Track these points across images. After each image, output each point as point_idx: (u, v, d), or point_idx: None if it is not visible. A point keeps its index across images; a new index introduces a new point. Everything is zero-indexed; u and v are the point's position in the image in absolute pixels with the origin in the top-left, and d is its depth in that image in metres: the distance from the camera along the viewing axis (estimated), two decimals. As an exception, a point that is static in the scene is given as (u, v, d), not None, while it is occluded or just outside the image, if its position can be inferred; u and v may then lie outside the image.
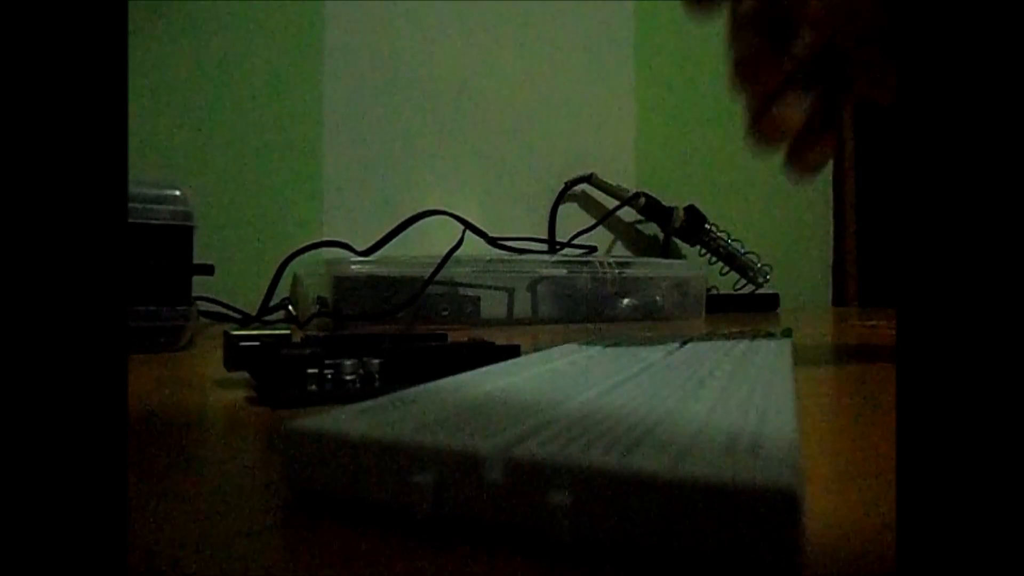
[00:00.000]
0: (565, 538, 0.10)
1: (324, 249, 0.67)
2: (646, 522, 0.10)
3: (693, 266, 0.82)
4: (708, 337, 0.31)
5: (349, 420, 0.13)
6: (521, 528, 0.11)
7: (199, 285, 0.48)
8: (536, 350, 0.27)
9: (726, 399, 0.16)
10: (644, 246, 1.03)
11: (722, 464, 0.10)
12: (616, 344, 0.28)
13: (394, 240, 0.65)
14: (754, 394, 0.17)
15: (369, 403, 0.15)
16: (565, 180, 0.96)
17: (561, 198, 0.96)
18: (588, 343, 0.30)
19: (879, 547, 0.11)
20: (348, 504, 0.12)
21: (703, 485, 0.10)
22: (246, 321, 0.63)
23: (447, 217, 0.66)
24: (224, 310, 0.64)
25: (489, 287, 0.67)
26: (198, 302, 0.50)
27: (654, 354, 0.25)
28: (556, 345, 0.29)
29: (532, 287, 0.70)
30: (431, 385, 0.18)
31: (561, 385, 0.18)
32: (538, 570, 0.10)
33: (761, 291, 0.99)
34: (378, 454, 0.12)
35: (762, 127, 0.31)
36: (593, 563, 0.10)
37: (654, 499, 0.10)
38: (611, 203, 0.97)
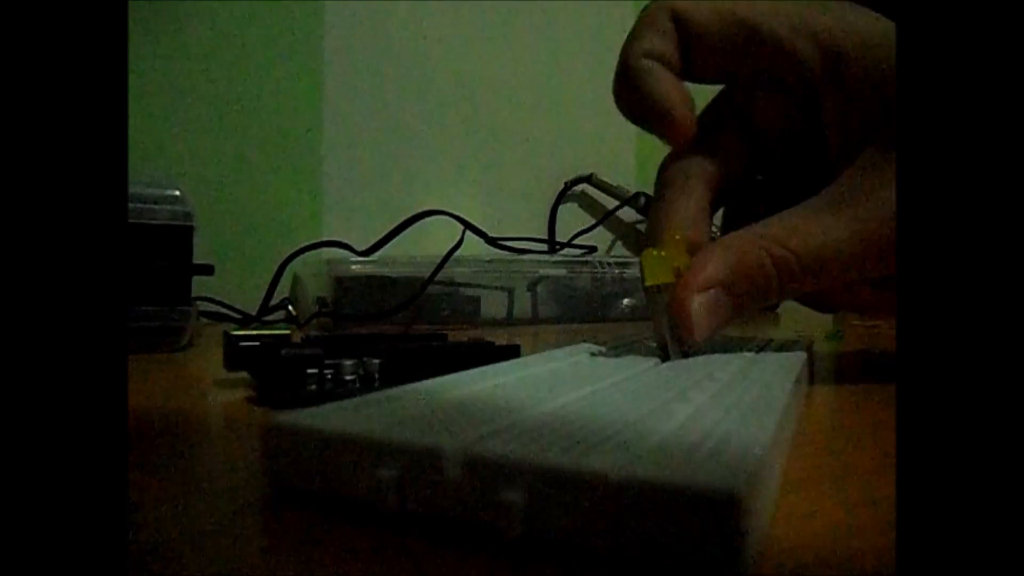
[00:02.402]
0: (516, 535, 0.11)
1: (324, 249, 0.67)
2: (594, 521, 0.10)
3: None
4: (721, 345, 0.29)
5: (327, 416, 0.14)
6: (478, 524, 0.11)
7: (199, 285, 0.48)
8: (536, 350, 0.27)
9: (710, 405, 0.16)
10: (644, 246, 1.03)
11: (674, 466, 0.10)
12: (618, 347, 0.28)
13: (394, 240, 0.65)
14: (741, 402, 0.16)
15: (353, 400, 0.15)
16: (565, 180, 0.96)
17: (561, 198, 0.96)
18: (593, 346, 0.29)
19: (879, 546, 0.11)
20: (326, 499, 0.13)
21: (645, 485, 0.10)
22: (246, 321, 0.63)
23: (447, 217, 0.66)
24: (224, 310, 0.64)
25: (489, 287, 0.67)
26: (198, 302, 0.50)
27: (652, 358, 0.25)
28: (555, 345, 0.29)
29: (532, 287, 0.70)
30: (419, 384, 0.18)
31: (548, 387, 0.18)
32: (497, 568, 0.10)
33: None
34: (347, 450, 0.12)
35: None
36: (546, 562, 0.10)
37: (600, 498, 0.10)
38: (611, 203, 0.97)
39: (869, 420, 0.22)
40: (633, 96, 0.27)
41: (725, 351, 0.27)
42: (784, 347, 0.29)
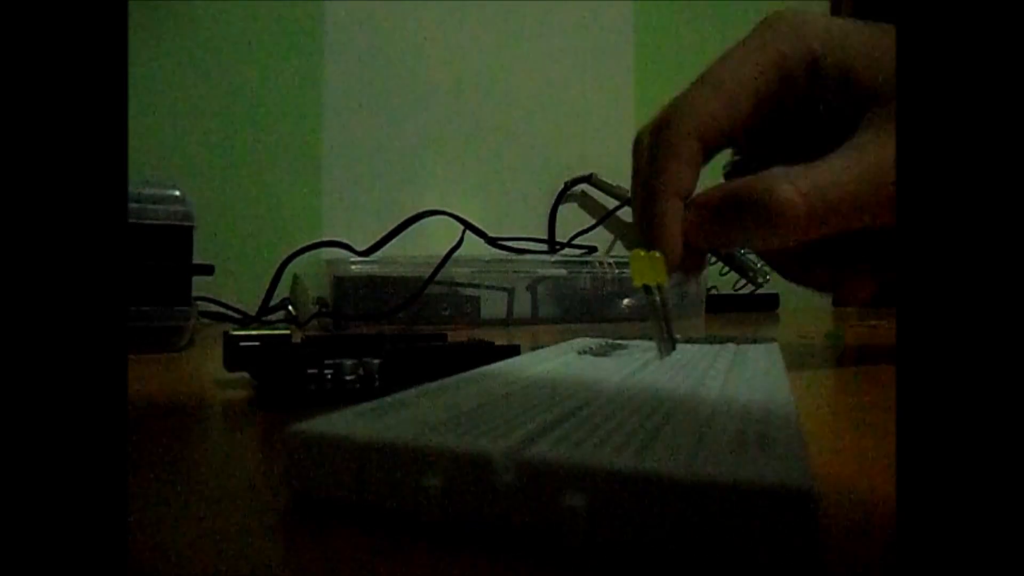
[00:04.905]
0: (578, 540, 0.10)
1: (324, 249, 0.67)
2: (660, 523, 0.10)
3: (693, 266, 0.82)
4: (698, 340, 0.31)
5: (351, 422, 0.13)
6: (532, 530, 0.11)
7: (199, 285, 0.48)
8: (536, 350, 0.27)
9: (726, 399, 0.16)
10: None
11: (734, 464, 0.10)
12: (609, 345, 0.29)
13: (394, 240, 0.65)
14: (753, 394, 0.17)
15: (370, 405, 0.15)
16: (565, 180, 0.96)
17: (561, 198, 0.96)
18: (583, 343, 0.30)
19: (880, 545, 0.11)
20: (350, 508, 0.12)
21: (717, 485, 0.10)
22: (246, 321, 0.63)
23: (447, 217, 0.66)
24: (224, 310, 0.64)
25: (489, 287, 0.67)
26: (198, 302, 0.50)
27: (647, 354, 0.26)
28: (555, 345, 0.29)
29: (532, 287, 0.70)
30: (432, 386, 0.18)
31: (562, 385, 0.18)
32: (543, 572, 0.10)
33: (761, 291, 0.98)
34: (384, 457, 0.12)
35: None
36: (601, 565, 0.10)
37: (669, 500, 0.10)
38: (611, 203, 0.97)
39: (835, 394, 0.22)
40: (646, 227, 0.29)
41: (709, 344, 0.29)
42: (756, 341, 0.31)
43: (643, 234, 0.29)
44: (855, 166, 0.25)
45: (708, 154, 0.29)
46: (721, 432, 0.13)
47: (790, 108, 0.28)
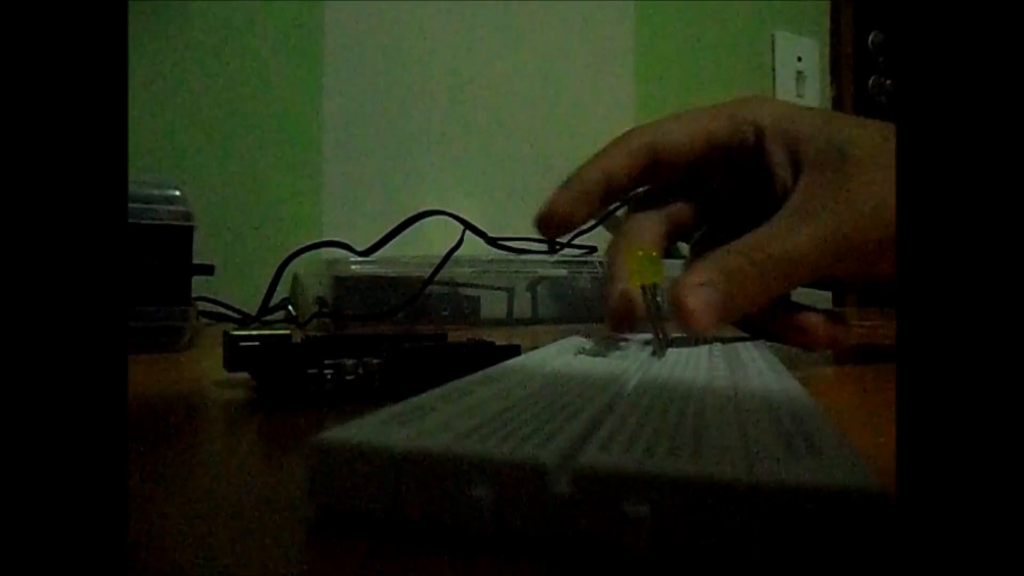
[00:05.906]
0: (642, 549, 0.10)
1: (324, 249, 0.67)
2: (729, 530, 0.10)
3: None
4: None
5: (380, 431, 0.13)
6: (590, 540, 0.10)
7: (199, 285, 0.48)
8: (532, 351, 0.27)
9: (744, 397, 0.16)
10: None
11: (799, 467, 0.10)
12: (600, 345, 0.29)
13: (394, 240, 0.65)
14: (769, 392, 0.17)
15: (390, 411, 0.14)
16: (565, 180, 0.96)
17: (561, 198, 0.96)
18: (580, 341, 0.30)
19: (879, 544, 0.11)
20: (380, 520, 0.12)
21: (794, 490, 0.10)
22: (246, 321, 0.63)
23: (447, 217, 0.66)
24: (224, 310, 0.64)
25: (489, 287, 0.67)
26: (198, 302, 0.50)
27: (642, 353, 0.25)
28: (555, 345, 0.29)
29: (532, 287, 0.70)
30: (446, 389, 0.17)
31: (579, 386, 0.18)
32: None
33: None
34: (426, 467, 0.11)
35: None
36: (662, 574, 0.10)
37: (740, 506, 0.10)
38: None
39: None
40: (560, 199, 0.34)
41: (696, 344, 0.29)
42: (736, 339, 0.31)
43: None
44: (806, 231, 0.28)
45: (659, 169, 0.33)
46: (761, 432, 0.12)
47: (742, 163, 0.33)
